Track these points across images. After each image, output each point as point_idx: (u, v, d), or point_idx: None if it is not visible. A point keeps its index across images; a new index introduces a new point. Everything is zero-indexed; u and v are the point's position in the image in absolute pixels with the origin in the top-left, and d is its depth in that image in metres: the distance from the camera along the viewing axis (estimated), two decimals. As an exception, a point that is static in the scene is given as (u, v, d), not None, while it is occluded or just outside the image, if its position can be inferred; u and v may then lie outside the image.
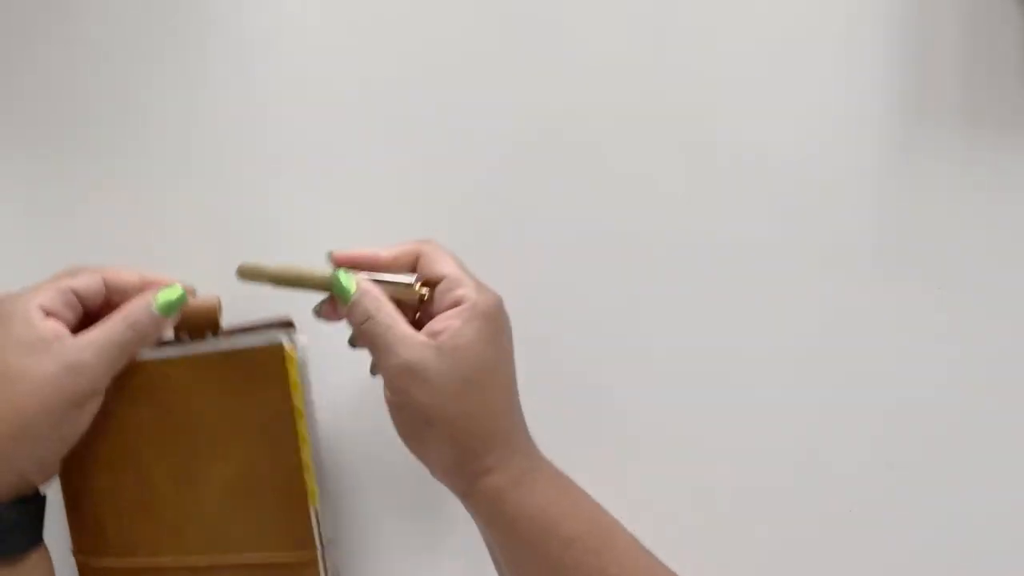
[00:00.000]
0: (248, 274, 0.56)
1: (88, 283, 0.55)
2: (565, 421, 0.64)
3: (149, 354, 0.57)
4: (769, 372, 0.64)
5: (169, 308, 0.55)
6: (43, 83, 0.65)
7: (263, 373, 0.57)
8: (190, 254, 0.64)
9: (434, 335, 0.54)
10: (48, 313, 0.53)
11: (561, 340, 0.65)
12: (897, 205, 0.64)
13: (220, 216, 0.65)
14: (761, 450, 0.64)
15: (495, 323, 0.55)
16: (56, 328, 0.53)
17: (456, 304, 0.55)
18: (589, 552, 0.54)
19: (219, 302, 0.58)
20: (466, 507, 0.56)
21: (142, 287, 0.56)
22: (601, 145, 0.64)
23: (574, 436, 0.64)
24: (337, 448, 0.65)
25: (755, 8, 0.64)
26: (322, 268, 0.56)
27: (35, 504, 0.55)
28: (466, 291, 0.55)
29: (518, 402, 0.56)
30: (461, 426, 0.54)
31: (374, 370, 0.59)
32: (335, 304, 0.56)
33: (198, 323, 0.57)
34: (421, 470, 0.57)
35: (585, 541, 0.54)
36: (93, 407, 0.54)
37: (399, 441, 0.56)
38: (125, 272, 0.56)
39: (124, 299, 0.56)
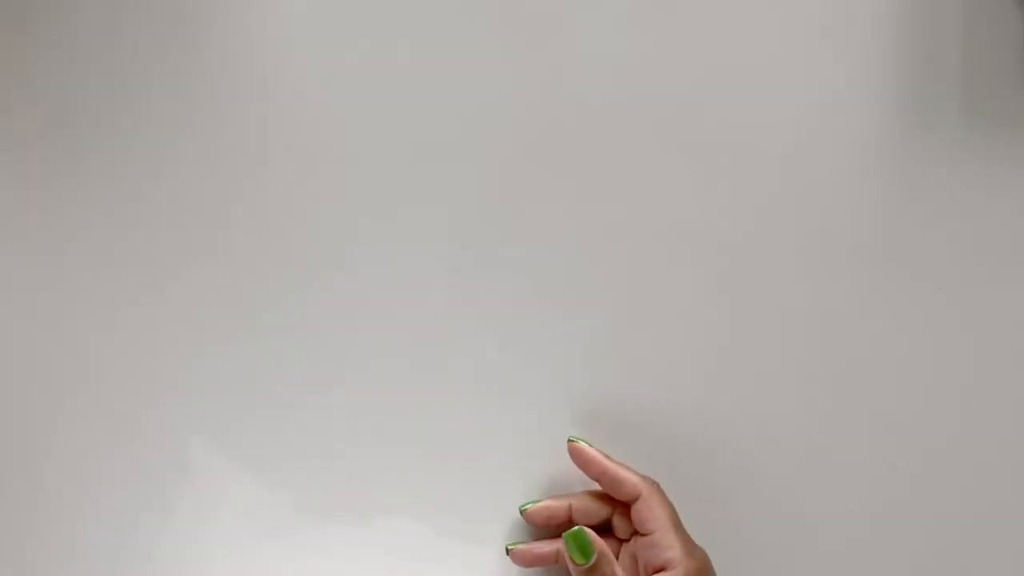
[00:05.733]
0: None
1: None
2: (561, 417, 0.64)
3: None
4: (768, 371, 0.64)
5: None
6: (43, 83, 0.65)
7: None
8: (190, 258, 0.64)
9: None
10: None
11: (560, 335, 0.65)
12: (896, 205, 0.64)
13: (220, 220, 0.65)
14: (760, 450, 0.64)
15: None
16: None
17: (663, 568, 0.54)
18: None
19: None
20: None
21: None
22: (600, 143, 0.64)
23: (568, 431, 0.64)
24: None
25: (754, 7, 0.64)
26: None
27: None
28: (674, 554, 0.54)
29: None
30: None
31: None
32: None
33: None
34: None
35: None
36: None
37: None
38: None
39: None
